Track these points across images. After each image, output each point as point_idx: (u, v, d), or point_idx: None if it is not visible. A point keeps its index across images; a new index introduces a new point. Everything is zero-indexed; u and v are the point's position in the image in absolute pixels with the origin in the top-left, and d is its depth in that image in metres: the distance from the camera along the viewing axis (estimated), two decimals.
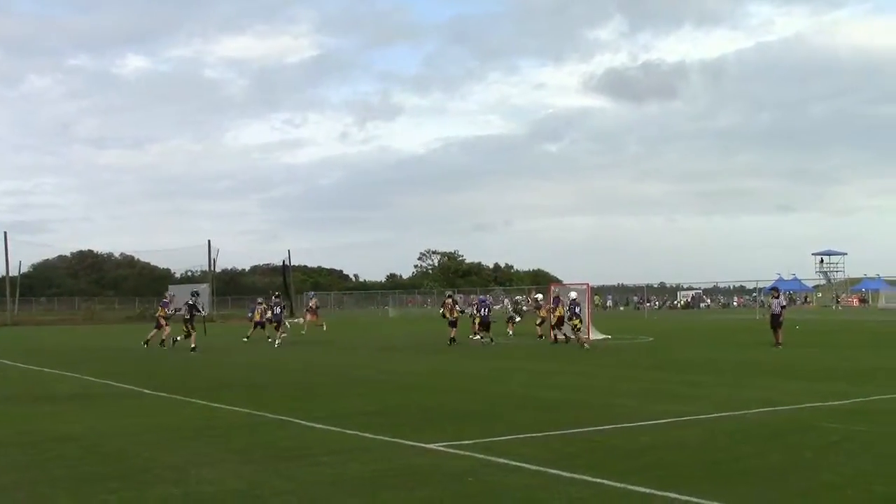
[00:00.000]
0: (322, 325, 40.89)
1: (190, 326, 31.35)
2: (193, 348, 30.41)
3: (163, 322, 33.13)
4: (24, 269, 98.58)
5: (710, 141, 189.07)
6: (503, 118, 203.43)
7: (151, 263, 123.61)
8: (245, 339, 36.35)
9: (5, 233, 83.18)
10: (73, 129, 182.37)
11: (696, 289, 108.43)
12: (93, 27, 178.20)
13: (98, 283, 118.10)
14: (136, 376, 20.95)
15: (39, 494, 8.39)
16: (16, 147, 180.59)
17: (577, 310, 31.74)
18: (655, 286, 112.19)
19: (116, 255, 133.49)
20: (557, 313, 33.23)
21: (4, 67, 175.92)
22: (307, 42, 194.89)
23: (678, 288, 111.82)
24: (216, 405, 15.29)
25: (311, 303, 44.38)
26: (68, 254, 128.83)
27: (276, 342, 33.49)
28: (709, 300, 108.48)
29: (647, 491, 8.08)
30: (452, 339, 32.46)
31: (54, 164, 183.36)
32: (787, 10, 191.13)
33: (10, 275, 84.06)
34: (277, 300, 37.29)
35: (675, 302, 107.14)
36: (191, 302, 32.14)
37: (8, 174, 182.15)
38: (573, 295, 33.55)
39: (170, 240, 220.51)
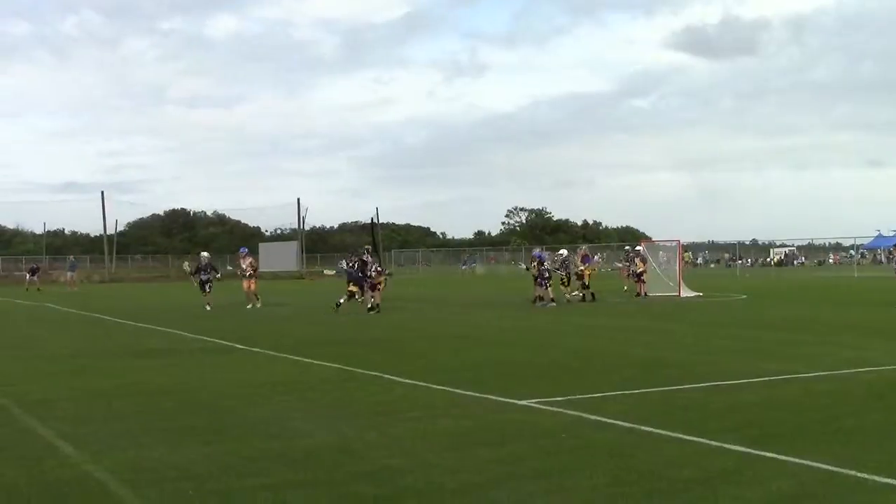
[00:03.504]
0: (256, 298, 32.51)
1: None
2: (370, 308, 28.25)
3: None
4: (120, 228, 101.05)
5: (805, 95, 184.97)
6: (592, 74, 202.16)
7: (242, 221, 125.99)
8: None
9: (102, 192, 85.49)
10: (166, 90, 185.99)
11: (790, 246, 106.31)
12: None
13: (190, 241, 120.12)
14: (228, 332, 21.30)
15: (141, 444, 8.56)
16: (112, 109, 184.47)
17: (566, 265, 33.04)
18: (747, 243, 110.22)
19: (208, 213, 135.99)
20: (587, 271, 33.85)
21: (103, 32, 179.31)
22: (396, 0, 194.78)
23: (771, 245, 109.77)
24: (307, 360, 15.45)
25: (245, 263, 33.62)
26: (161, 213, 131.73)
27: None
28: (803, 257, 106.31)
29: (745, 450, 7.91)
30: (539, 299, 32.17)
31: (148, 125, 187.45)
32: None
33: (108, 233, 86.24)
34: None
35: (769, 259, 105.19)
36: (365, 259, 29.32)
37: (104, 135, 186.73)
38: (563, 252, 34.43)
39: (260, 198, 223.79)
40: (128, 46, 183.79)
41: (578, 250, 36.74)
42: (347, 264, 36.49)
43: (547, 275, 31.48)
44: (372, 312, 27.82)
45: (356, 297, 29.22)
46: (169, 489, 7.01)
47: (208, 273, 32.56)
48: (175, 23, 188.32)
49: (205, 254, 34.53)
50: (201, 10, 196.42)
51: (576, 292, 33.25)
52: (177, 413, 10.46)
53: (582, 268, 33.73)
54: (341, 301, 28.50)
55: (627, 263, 38.99)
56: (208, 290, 31.98)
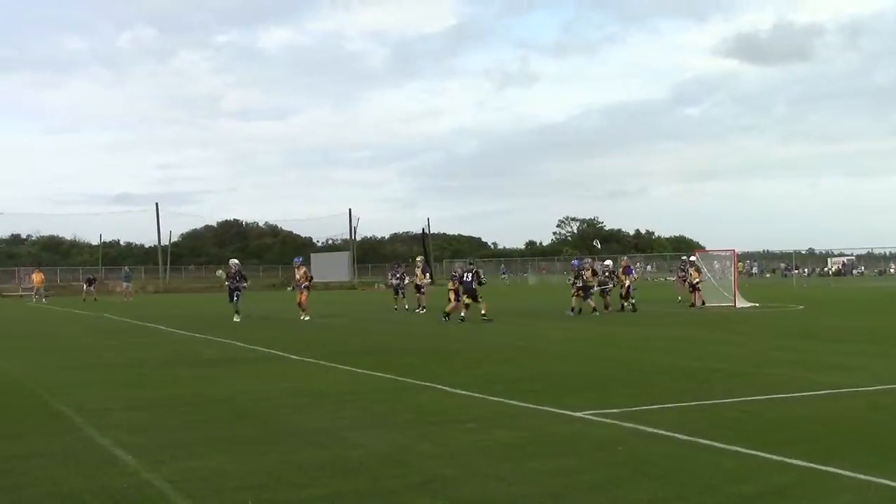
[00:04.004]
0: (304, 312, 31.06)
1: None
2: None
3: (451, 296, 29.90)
4: (174, 239, 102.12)
5: (862, 100, 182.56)
6: (643, 82, 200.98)
7: (294, 232, 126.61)
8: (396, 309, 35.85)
9: (157, 204, 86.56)
10: (219, 102, 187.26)
11: (849, 255, 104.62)
12: (240, 2, 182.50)
13: (243, 252, 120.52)
14: (280, 342, 21.40)
15: (197, 454, 8.62)
16: (166, 121, 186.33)
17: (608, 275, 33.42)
18: (804, 252, 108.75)
19: (260, 224, 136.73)
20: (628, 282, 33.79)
21: (157, 46, 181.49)
22: (446, 10, 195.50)
23: (829, 254, 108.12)
24: (360, 370, 15.46)
25: (298, 274, 32.15)
26: (215, 223, 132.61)
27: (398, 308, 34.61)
28: (862, 267, 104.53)
29: (806, 465, 7.77)
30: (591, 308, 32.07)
31: (201, 137, 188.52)
32: None
33: (162, 244, 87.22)
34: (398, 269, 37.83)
35: (826, 269, 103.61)
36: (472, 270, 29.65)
37: (158, 147, 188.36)
38: (609, 263, 34.77)
39: (311, 209, 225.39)
40: (181, 59, 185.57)
41: (621, 261, 36.57)
42: (394, 276, 36.89)
43: (580, 283, 31.45)
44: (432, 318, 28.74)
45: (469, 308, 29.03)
46: (227, 499, 7.03)
47: (237, 281, 31.11)
48: (229, 36, 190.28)
49: (234, 261, 32.92)
50: (254, 23, 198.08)
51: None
52: (232, 423, 10.51)
53: (626, 281, 33.75)
54: (462, 315, 28.55)
55: (683, 274, 38.69)
56: (236, 299, 30.72)
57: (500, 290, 65.90)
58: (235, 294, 30.92)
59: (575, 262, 33.58)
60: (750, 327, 25.29)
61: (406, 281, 36.44)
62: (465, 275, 29.38)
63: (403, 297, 36.11)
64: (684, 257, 38.79)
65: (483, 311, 28.21)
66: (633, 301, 33.17)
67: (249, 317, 30.80)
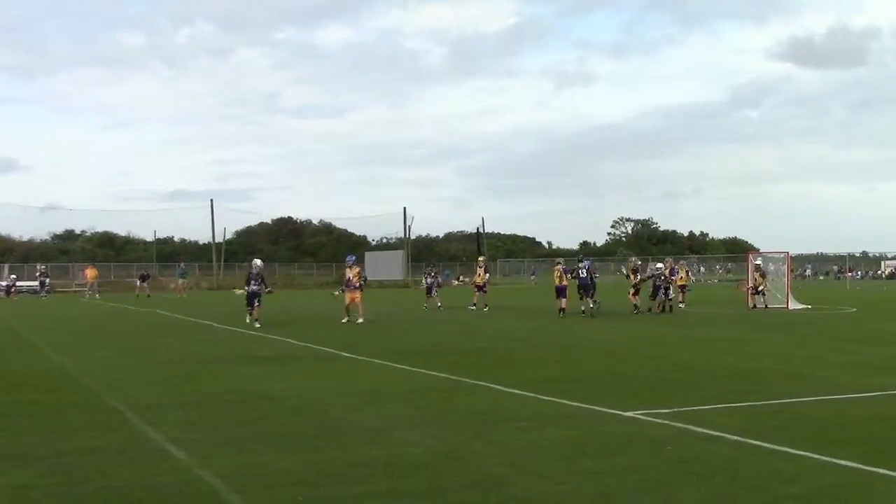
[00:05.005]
0: (358, 316, 28.19)
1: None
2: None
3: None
4: (229, 236, 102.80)
5: None
6: (702, 84, 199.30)
7: (348, 230, 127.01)
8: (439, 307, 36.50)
9: (211, 201, 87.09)
10: (276, 99, 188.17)
11: None
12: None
13: (297, 250, 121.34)
14: (334, 340, 21.57)
15: (249, 450, 8.75)
16: (223, 118, 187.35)
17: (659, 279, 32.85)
18: (857, 255, 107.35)
19: (315, 222, 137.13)
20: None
21: (215, 42, 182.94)
22: (505, 10, 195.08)
23: (882, 257, 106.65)
24: (413, 369, 15.57)
25: (352, 273, 29.01)
26: (269, 221, 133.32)
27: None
28: None
29: (856, 466, 7.76)
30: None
31: (258, 134, 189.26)
32: None
33: (216, 241, 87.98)
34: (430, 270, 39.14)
35: (879, 272, 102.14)
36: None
37: (215, 144, 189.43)
38: (660, 265, 34.24)
39: (366, 207, 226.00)
40: (239, 56, 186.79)
41: (666, 262, 36.41)
42: (428, 276, 37.53)
43: (590, 281, 31.24)
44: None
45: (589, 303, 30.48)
46: (279, 495, 7.14)
47: (259, 284, 28.21)
48: (287, 33, 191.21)
49: (257, 261, 30.10)
50: (313, 20, 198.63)
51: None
52: (284, 420, 10.65)
53: (673, 279, 34.01)
54: (591, 306, 30.30)
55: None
56: (257, 304, 27.82)
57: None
58: (256, 299, 27.95)
59: (586, 262, 33.25)
60: (802, 329, 25.06)
61: (441, 280, 37.10)
62: (581, 271, 30.63)
63: (434, 296, 37.33)
64: (758, 262, 38.26)
65: (584, 308, 29.90)
66: (671, 302, 33.31)
67: (306, 314, 30.90)
